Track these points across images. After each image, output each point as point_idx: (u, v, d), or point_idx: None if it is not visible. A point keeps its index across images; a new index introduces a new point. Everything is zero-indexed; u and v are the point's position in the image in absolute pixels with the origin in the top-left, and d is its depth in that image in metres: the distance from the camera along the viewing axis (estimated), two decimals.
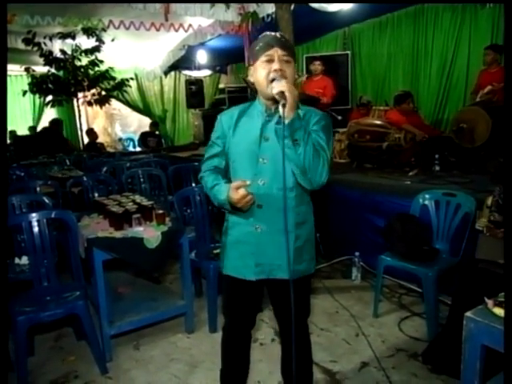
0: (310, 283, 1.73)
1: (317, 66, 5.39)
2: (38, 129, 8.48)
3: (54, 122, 7.65)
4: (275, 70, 1.43)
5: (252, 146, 1.52)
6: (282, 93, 1.35)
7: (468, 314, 1.33)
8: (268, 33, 1.52)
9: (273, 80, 1.41)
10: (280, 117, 1.35)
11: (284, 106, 1.34)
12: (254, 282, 1.58)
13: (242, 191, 1.44)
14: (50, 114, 8.89)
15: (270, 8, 4.54)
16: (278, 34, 1.51)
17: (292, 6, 3.69)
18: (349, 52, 6.53)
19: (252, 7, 4.81)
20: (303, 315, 1.69)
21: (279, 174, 1.43)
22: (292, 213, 1.53)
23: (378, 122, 4.31)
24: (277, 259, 1.55)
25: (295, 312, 1.66)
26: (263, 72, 1.47)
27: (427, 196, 2.78)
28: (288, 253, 1.47)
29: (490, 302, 1.32)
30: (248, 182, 1.45)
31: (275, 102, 1.41)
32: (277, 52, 1.45)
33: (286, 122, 1.34)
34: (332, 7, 5.00)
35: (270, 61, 1.46)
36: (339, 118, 5.05)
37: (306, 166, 1.38)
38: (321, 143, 1.44)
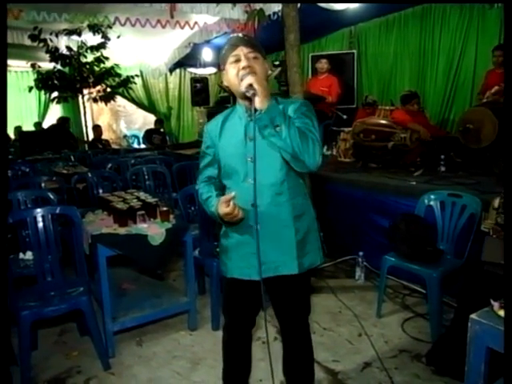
0: (310, 281, 1.73)
1: (323, 65, 5.37)
2: (44, 125, 8.53)
3: (61, 120, 7.75)
4: (243, 68, 1.44)
5: (238, 149, 1.54)
6: (250, 85, 1.38)
7: (473, 316, 1.32)
8: (232, 35, 1.58)
9: (243, 79, 1.43)
10: (260, 113, 1.37)
11: (254, 95, 1.36)
12: (257, 282, 1.58)
13: (226, 209, 1.45)
14: (56, 110, 8.93)
15: (276, 6, 4.51)
16: (241, 34, 1.55)
17: (299, 4, 3.68)
18: (355, 51, 6.48)
19: (258, 5, 4.79)
20: (304, 313, 1.69)
21: (267, 171, 1.48)
22: (287, 206, 1.53)
23: (384, 122, 4.27)
24: (280, 255, 1.55)
25: (295, 310, 1.67)
26: (233, 72, 1.49)
27: (432, 197, 2.76)
28: (292, 246, 1.50)
29: (495, 305, 1.31)
30: (233, 194, 1.46)
31: (251, 100, 1.41)
32: (242, 50, 1.47)
33: (263, 110, 1.36)
34: (338, 6, 4.98)
35: (238, 60, 1.47)
36: (344, 117, 5.04)
37: (296, 149, 1.39)
38: (307, 126, 1.45)
